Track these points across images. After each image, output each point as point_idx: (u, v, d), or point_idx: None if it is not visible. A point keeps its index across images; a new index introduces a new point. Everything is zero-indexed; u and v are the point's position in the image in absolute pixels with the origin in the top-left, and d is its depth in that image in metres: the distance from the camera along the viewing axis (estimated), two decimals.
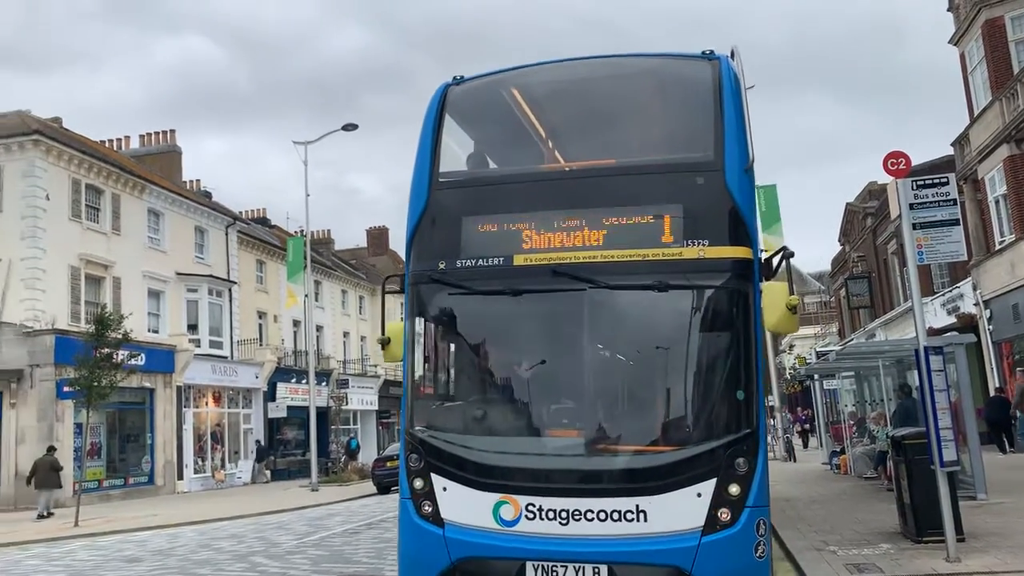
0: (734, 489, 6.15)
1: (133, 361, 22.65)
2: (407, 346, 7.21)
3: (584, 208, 6.91)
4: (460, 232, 7.16)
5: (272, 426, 39.36)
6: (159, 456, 30.82)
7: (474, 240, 7.10)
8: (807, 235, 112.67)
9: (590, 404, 6.84)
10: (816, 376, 27.08)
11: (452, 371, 7.59)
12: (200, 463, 33.83)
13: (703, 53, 7.64)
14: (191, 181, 40.88)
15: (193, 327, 34.01)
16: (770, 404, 40.74)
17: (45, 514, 21.65)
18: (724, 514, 6.13)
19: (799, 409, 44.90)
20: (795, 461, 29.81)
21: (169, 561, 13.46)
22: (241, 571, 11.97)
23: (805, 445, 39.52)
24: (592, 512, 6.26)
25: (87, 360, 20.33)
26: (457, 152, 8.07)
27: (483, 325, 7.34)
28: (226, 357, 35.77)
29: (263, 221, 47.73)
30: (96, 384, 20.23)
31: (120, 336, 20.94)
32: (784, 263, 6.90)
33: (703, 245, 6.57)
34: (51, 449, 23.37)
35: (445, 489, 6.65)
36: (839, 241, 43.73)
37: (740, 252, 6.63)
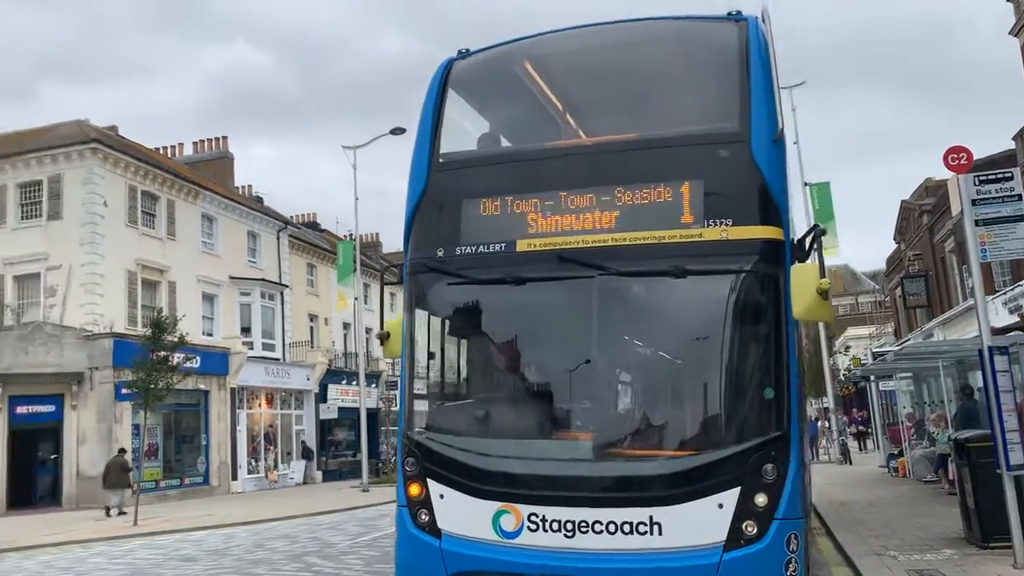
0: (761, 499, 5.51)
1: (188, 364, 23.07)
2: (405, 341, 6.65)
3: (595, 187, 6.24)
4: (460, 216, 6.56)
5: (323, 427, 39.78)
6: (214, 457, 31.35)
7: (475, 225, 6.49)
8: (861, 233, 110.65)
9: (599, 404, 6.17)
10: (872, 377, 26.52)
11: (450, 368, 7.02)
12: (253, 464, 34.32)
13: (729, 14, 7.00)
14: (243, 186, 41.56)
15: (246, 330, 34.53)
16: (824, 406, 40.01)
17: (115, 513, 22.11)
18: (749, 527, 5.50)
19: (855, 410, 44.04)
20: (851, 464, 29.27)
21: (224, 561, 13.66)
22: (296, 571, 12.10)
23: (861, 448, 38.76)
24: (601, 524, 5.66)
25: (144, 363, 20.77)
26: (462, 131, 7.48)
27: (483, 318, 6.71)
28: (278, 359, 36.26)
29: (313, 225, 48.31)
30: (153, 386, 20.67)
31: (176, 339, 21.36)
32: (816, 244, 6.12)
33: (726, 225, 5.90)
34: (121, 451, 24.01)
35: (442, 496, 6.09)
36: (894, 239, 42.77)
37: (769, 232, 5.96)
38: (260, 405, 35.33)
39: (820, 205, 28.79)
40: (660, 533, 5.58)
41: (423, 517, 6.16)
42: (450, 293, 6.58)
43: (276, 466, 35.73)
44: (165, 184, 31.42)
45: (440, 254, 6.47)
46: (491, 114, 7.91)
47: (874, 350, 34.47)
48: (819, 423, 37.52)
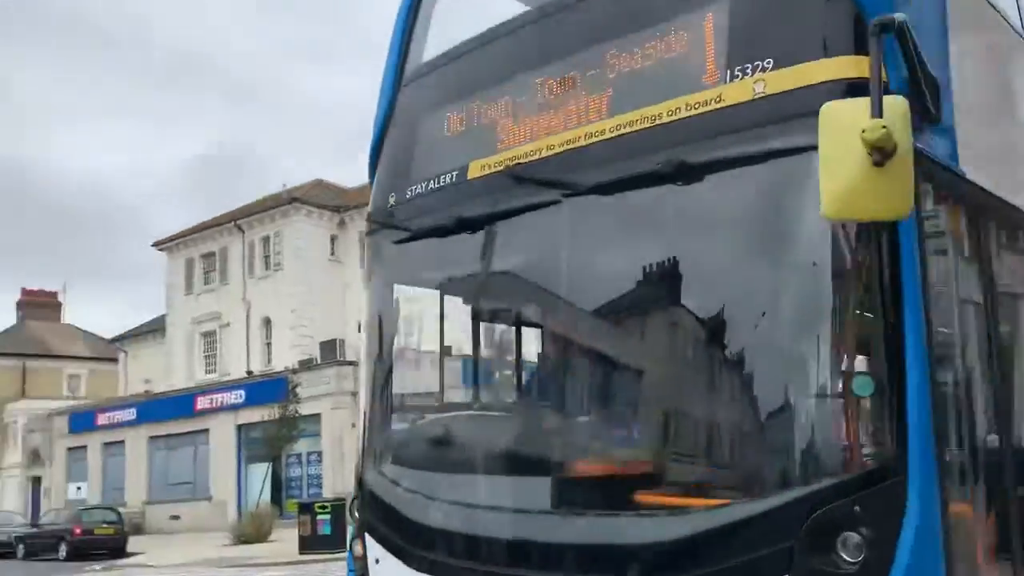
0: None
1: None
2: (364, 332, 4.90)
3: (577, 54, 3.90)
4: (416, 143, 4.70)
5: None
6: None
7: (430, 151, 4.57)
8: None
9: (559, 422, 3.92)
10: None
11: (401, 371, 4.96)
12: None
13: None
14: None
15: None
16: None
17: None
18: None
19: None
20: None
21: None
22: None
23: None
24: None
25: None
26: (469, 26, 4.77)
27: (427, 291, 4.81)
28: None
29: None
30: None
31: None
32: (876, 47, 2.79)
33: (763, 70, 3.18)
34: None
35: (377, 561, 4.26)
36: None
37: (849, 68, 3.01)
38: None
39: None
40: None
41: None
42: (395, 257, 4.68)
43: None
44: None
45: (392, 202, 4.62)
46: None
47: None
48: None
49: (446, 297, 4.73)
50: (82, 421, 39.15)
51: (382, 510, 4.32)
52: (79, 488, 38.27)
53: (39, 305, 58.27)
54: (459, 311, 4.74)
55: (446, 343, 4.79)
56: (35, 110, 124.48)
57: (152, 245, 42.40)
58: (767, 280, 3.32)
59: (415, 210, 4.43)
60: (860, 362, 3.05)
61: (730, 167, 3.26)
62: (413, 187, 4.50)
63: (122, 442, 36.80)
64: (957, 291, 3.42)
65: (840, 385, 3.07)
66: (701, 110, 3.34)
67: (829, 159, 2.70)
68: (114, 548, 26.72)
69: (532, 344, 4.47)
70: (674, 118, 3.42)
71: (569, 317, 3.89)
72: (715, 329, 3.48)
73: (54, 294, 60.11)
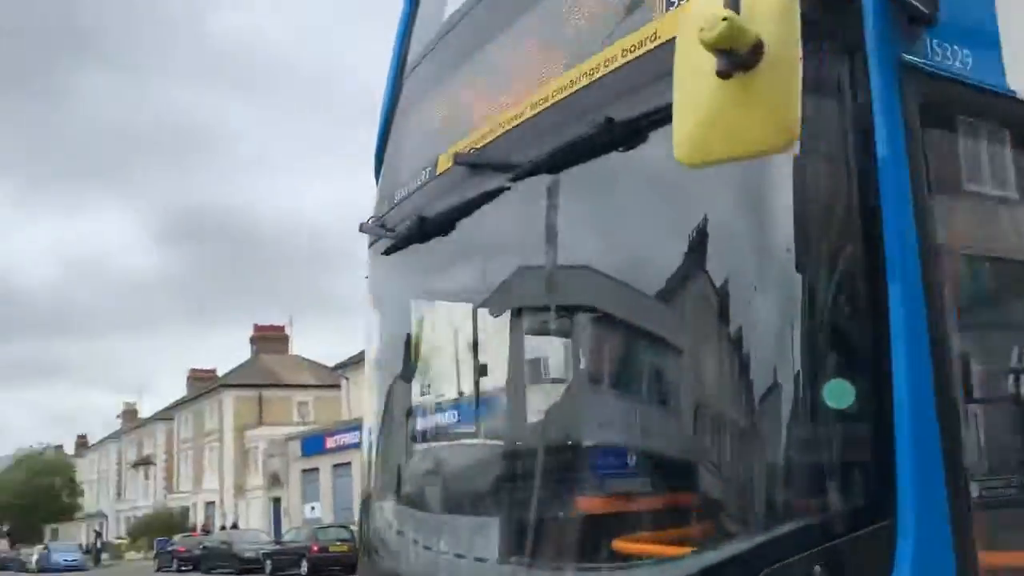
0: None
1: None
2: (366, 354, 4.59)
3: (522, 17, 3.41)
4: (403, 143, 4.28)
5: None
6: None
7: (413, 150, 4.12)
8: None
9: (509, 450, 3.35)
10: None
11: (387, 394, 4.43)
12: None
13: None
14: None
15: None
16: None
17: None
18: None
19: None
20: None
21: None
22: None
23: None
24: None
25: None
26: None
27: (416, 303, 4.36)
28: None
29: None
30: None
31: None
32: None
33: None
34: None
35: None
36: None
37: None
38: None
39: None
40: None
41: None
42: (385, 269, 4.24)
43: None
44: None
45: (384, 209, 4.24)
46: None
47: None
48: None
49: (428, 309, 4.33)
50: (313, 445, 42.29)
51: (373, 554, 4.01)
52: (313, 508, 41.26)
53: (269, 339, 63.61)
54: (438, 325, 4.28)
55: (431, 362, 4.33)
56: (255, 159, 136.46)
57: (364, 277, 45.07)
58: (710, 259, 2.52)
59: (398, 217, 3.98)
60: (836, 362, 2.17)
61: (665, 120, 2.35)
62: (398, 191, 4.09)
63: (348, 463, 39.22)
64: (990, 258, 2.63)
65: (808, 393, 2.15)
66: (636, 53, 2.65)
67: (682, 80, 1.99)
68: (347, 564, 28.45)
69: (465, 362, 3.92)
70: (609, 69, 2.76)
71: (508, 323, 3.40)
72: (646, 330, 2.87)
73: (281, 328, 65.41)
